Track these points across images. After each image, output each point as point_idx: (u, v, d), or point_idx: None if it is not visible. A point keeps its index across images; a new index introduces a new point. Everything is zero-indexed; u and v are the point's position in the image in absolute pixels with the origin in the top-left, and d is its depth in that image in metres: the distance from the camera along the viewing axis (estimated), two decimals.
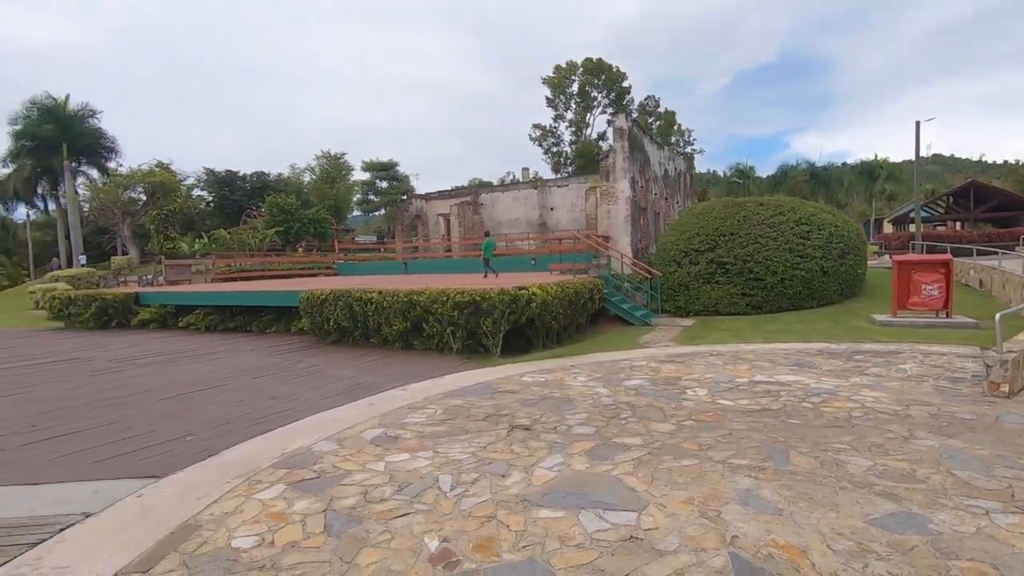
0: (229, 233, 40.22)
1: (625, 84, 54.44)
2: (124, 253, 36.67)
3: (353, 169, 53.58)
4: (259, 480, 4.42)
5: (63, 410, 6.88)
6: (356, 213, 58.69)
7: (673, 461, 4.49)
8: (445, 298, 9.82)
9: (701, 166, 60.53)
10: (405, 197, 36.22)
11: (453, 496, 3.98)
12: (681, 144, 56.09)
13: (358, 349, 10.83)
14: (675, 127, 56.76)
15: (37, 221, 45.86)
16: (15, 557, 3.38)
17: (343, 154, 52.54)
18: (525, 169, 46.80)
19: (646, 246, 19.39)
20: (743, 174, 49.06)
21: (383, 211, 55.09)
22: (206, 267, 20.78)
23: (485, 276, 14.62)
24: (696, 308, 14.57)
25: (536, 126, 56.83)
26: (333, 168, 52.58)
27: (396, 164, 55.60)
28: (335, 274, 24.86)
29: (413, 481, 4.28)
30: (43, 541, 3.57)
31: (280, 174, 56.57)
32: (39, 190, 40.96)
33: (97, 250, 44.89)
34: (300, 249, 37.91)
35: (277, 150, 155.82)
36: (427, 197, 31.23)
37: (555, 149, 56.71)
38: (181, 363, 10.03)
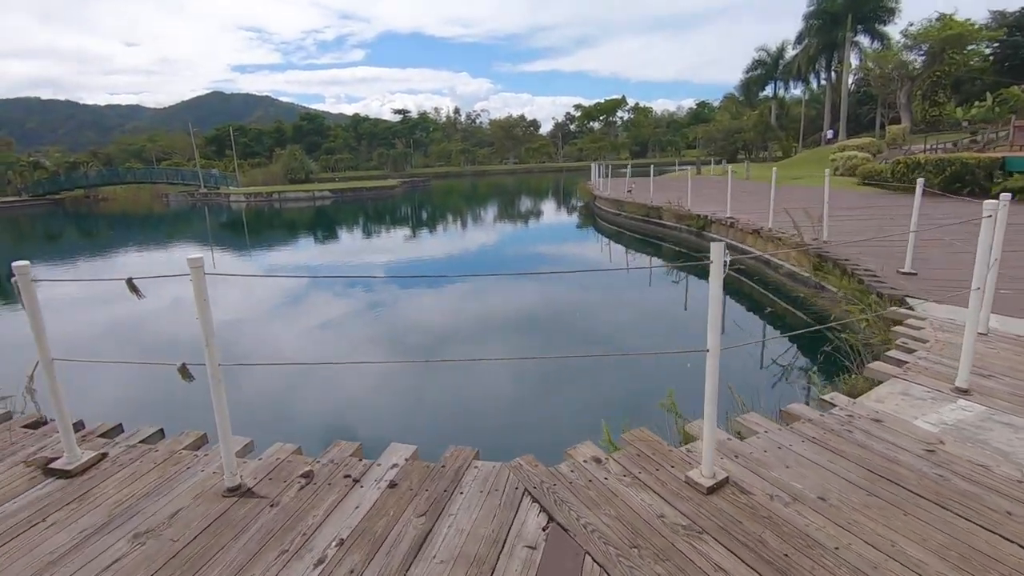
0: None
1: None
2: (893, 122, 35.54)
3: None
4: None
5: None
6: None
7: None
8: None
9: None
10: None
11: None
12: None
13: None
14: None
15: (805, 98, 51.11)
16: None
17: None
18: None
19: None
20: None
21: None
22: None
23: None
24: None
25: None
26: None
27: None
28: None
29: None
30: None
31: None
32: (816, 67, 44.62)
33: (854, 123, 46.05)
34: None
35: None
36: None
37: None
38: None
